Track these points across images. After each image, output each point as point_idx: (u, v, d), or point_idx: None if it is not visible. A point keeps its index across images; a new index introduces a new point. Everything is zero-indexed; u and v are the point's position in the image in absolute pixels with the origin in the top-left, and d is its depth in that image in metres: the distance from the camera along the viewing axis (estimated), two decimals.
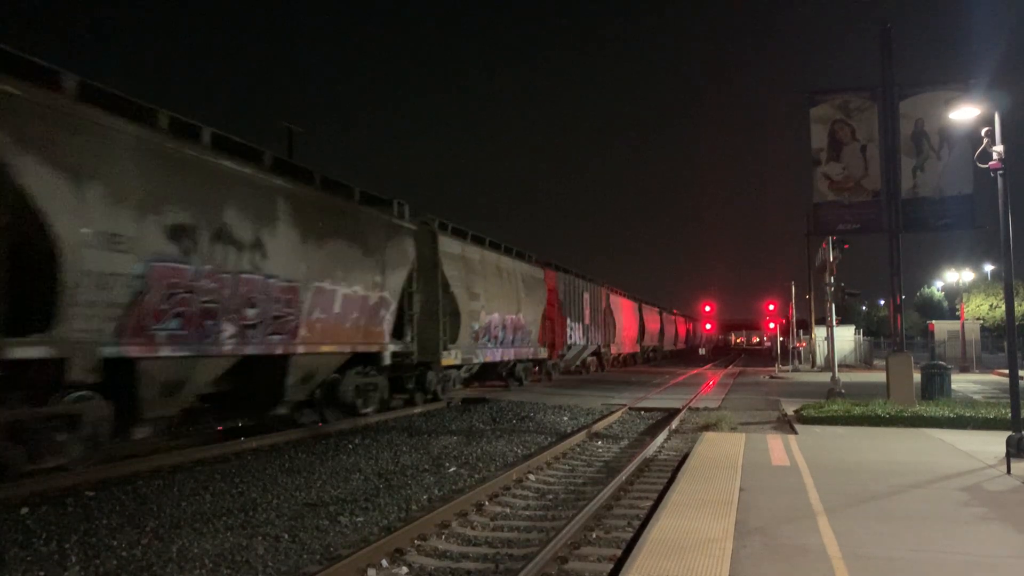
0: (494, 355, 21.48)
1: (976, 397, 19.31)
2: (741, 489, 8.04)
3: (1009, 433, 9.54)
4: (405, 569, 6.33)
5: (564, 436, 13.80)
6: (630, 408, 19.07)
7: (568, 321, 29.86)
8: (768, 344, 77.94)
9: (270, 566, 6.29)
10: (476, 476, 10.22)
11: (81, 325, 8.53)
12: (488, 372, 22.61)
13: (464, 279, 19.14)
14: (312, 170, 13.58)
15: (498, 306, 21.36)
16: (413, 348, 16.47)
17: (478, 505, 8.40)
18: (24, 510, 7.58)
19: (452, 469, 10.64)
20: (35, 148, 8.15)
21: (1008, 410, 10.95)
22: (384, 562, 6.37)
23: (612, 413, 17.53)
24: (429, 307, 17.28)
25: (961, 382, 24.96)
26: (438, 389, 18.56)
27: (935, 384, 16.41)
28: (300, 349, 12.43)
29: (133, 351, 9.24)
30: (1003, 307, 16.97)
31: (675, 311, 72.52)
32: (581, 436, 13.65)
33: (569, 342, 30.08)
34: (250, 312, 11.17)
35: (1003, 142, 10.28)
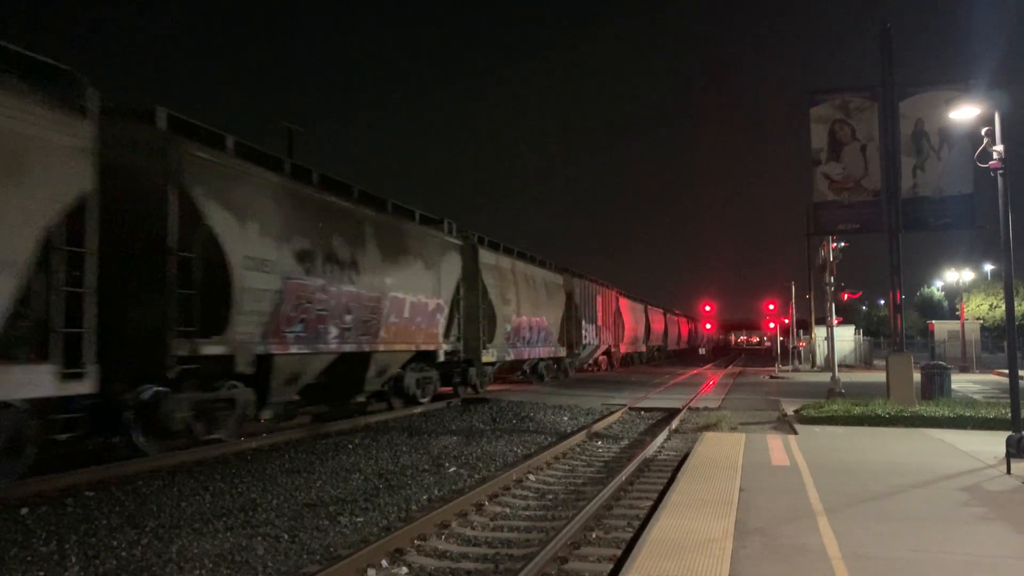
0: (521, 353, 23.87)
1: (976, 397, 19.31)
2: (741, 489, 8.04)
3: (1009, 433, 9.53)
4: (405, 569, 6.33)
5: (564, 436, 13.80)
6: (630, 408, 19.07)
7: (583, 322, 31.93)
8: (768, 344, 77.97)
9: (270, 566, 6.28)
10: (476, 476, 10.22)
11: (243, 329, 11.00)
12: (514, 368, 25.51)
13: (499, 286, 21.67)
14: (385, 199, 16.06)
15: (525, 310, 23.88)
16: (460, 347, 19.19)
17: (478, 505, 8.40)
18: (24, 510, 7.58)
19: (452, 469, 10.64)
20: (215, 196, 10.64)
21: (1008, 410, 10.94)
22: (384, 562, 6.37)
23: (612, 413, 17.53)
24: (471, 311, 19.81)
25: (961, 382, 24.97)
26: (477, 383, 20.93)
27: (935, 384, 16.41)
28: (380, 347, 14.95)
29: (273, 349, 11.75)
30: (1003, 307, 16.97)
31: (676, 311, 72.68)
32: (581, 436, 13.65)
33: (584, 341, 32.09)
34: (347, 317, 13.66)
35: (1003, 142, 10.28)
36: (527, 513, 8.35)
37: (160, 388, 10.05)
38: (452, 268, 18.52)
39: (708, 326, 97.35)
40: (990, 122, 10.42)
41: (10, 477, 8.24)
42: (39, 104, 8.04)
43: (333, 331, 13.24)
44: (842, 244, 19.88)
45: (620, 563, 5.88)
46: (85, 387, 8.50)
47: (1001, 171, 10.28)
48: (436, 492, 9.18)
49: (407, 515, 8.03)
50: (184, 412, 10.44)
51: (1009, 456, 9.15)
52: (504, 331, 21.81)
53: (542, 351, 26.34)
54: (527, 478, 10.06)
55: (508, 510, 8.46)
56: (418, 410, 17.27)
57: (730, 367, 47.06)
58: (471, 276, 19.84)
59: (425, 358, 17.51)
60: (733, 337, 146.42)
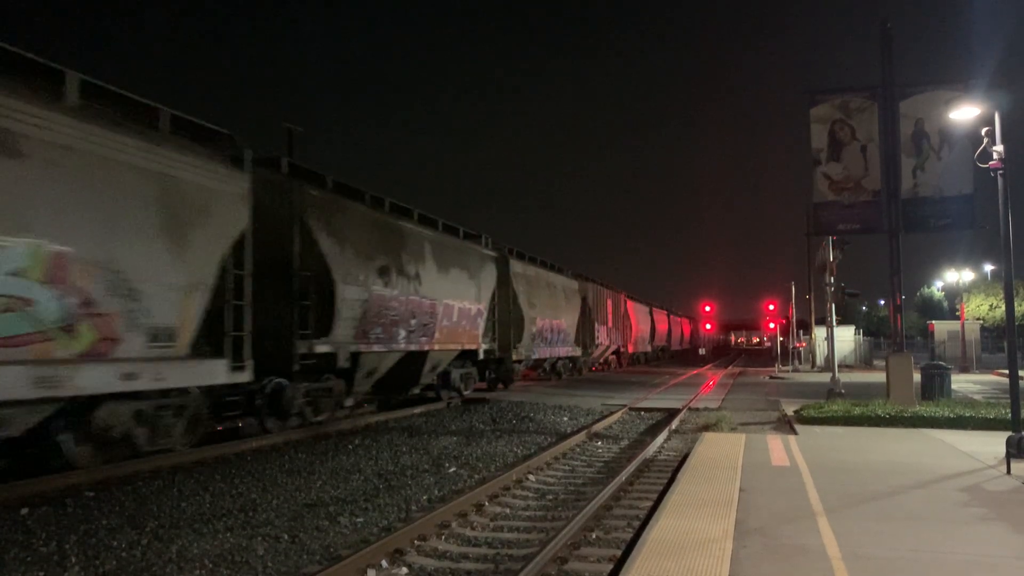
0: (543, 352, 26.58)
1: (976, 397, 19.31)
2: (741, 489, 8.04)
3: (1009, 433, 9.53)
4: (405, 569, 6.33)
5: (564, 436, 13.80)
6: (630, 408, 19.07)
7: (596, 324, 34.47)
8: (768, 344, 77.95)
9: (270, 566, 6.29)
10: (476, 476, 10.22)
11: (342, 332, 13.58)
12: (536, 366, 27.70)
13: (526, 292, 24.32)
14: (437, 219, 18.39)
15: (547, 313, 26.64)
16: (495, 347, 21.83)
17: (478, 505, 8.40)
18: (24, 510, 7.58)
19: (452, 469, 10.64)
20: (324, 225, 13.27)
21: (1008, 410, 10.95)
22: (384, 562, 6.37)
23: (612, 413, 17.53)
24: (503, 315, 22.47)
25: (961, 382, 24.97)
26: (507, 377, 23.52)
27: (935, 384, 16.41)
28: (436, 347, 17.47)
29: (361, 348, 14.25)
30: (1003, 307, 16.97)
31: (678, 312, 72.94)
32: (581, 436, 13.65)
33: (596, 342, 34.67)
34: (412, 321, 16.22)
35: (1003, 142, 10.27)
36: (527, 513, 8.35)
37: (281, 380, 12.51)
38: (489, 277, 21.13)
39: (708, 326, 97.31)
40: (990, 122, 10.41)
41: (188, 446, 10.67)
42: (218, 163, 10.72)
43: (402, 333, 15.78)
44: (844, 245, 19.85)
45: (620, 563, 5.89)
46: (245, 377, 11.18)
47: (1001, 171, 10.28)
48: (436, 492, 9.18)
49: (407, 515, 8.03)
50: (300, 399, 13.03)
51: (1009, 456, 9.15)
52: (530, 332, 24.32)
53: (561, 351, 28.77)
54: (527, 478, 10.06)
55: (508, 510, 8.46)
56: (418, 410, 17.31)
57: (730, 367, 47.07)
58: (504, 284, 22.48)
59: (467, 356, 20.04)
60: (733, 337, 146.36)
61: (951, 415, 13.40)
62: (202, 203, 10.25)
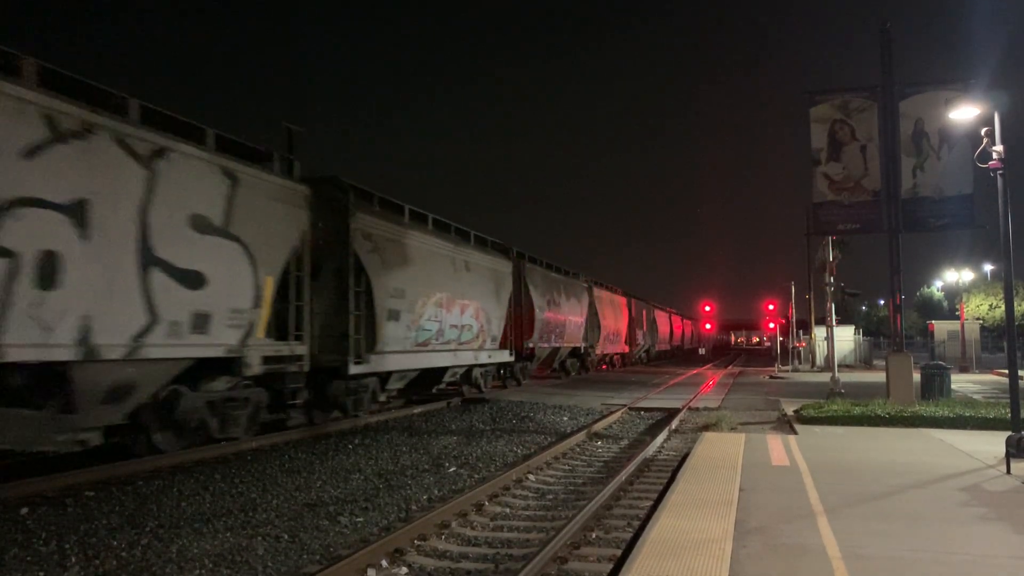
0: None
1: (976, 397, 19.30)
2: (741, 489, 8.04)
3: (1009, 433, 9.53)
4: (405, 569, 6.34)
5: (564, 436, 13.80)
6: (630, 408, 19.06)
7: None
8: (768, 344, 77.92)
9: (270, 566, 6.29)
10: (476, 476, 10.22)
11: (536, 336, 23.13)
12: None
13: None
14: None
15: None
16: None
17: (478, 505, 8.40)
18: (24, 510, 7.58)
19: (452, 469, 10.64)
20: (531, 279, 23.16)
21: (1008, 410, 10.95)
22: (384, 562, 6.37)
23: (612, 413, 17.53)
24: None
25: (961, 382, 24.96)
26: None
27: (935, 384, 16.40)
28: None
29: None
30: (1003, 307, 16.96)
31: (678, 312, 73.13)
32: (581, 436, 13.65)
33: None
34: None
35: (1003, 142, 10.28)
36: (527, 513, 8.35)
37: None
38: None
39: (708, 326, 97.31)
40: (990, 122, 10.42)
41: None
42: (503, 257, 20.38)
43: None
44: (843, 245, 19.87)
45: (620, 563, 5.89)
46: (512, 358, 21.64)
47: (1001, 171, 10.28)
48: (436, 492, 9.18)
49: (407, 515, 8.03)
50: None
51: (1009, 456, 9.15)
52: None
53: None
54: (527, 478, 10.06)
55: (508, 510, 8.46)
56: (418, 410, 17.31)
57: (730, 367, 47.05)
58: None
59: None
60: (733, 337, 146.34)
61: (951, 415, 13.39)
62: (499, 281, 21.40)
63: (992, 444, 10.44)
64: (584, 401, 20.43)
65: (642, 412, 18.71)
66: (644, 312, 49.09)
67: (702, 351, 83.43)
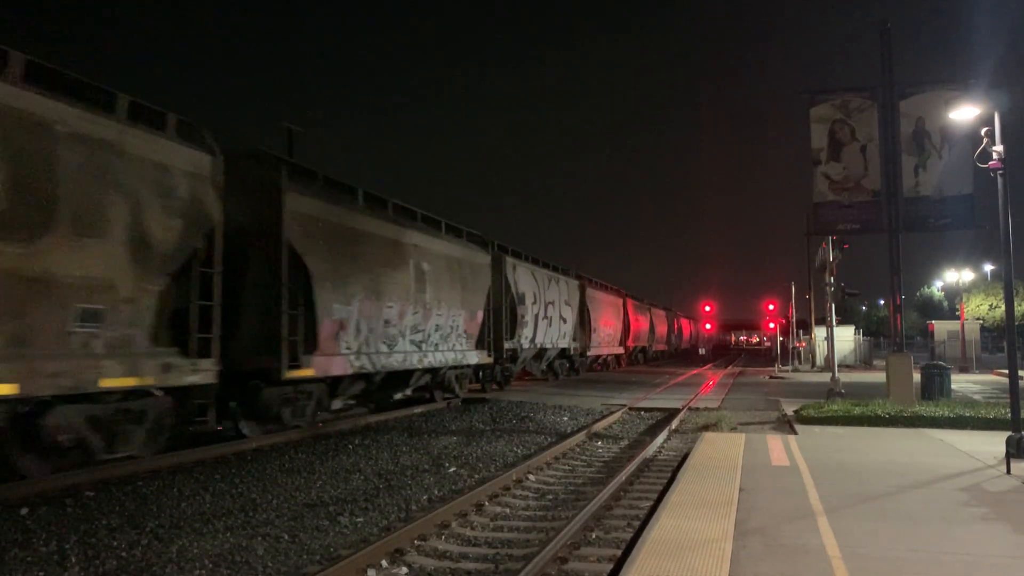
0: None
1: (976, 397, 19.30)
2: (741, 489, 8.04)
3: (1009, 433, 9.53)
4: (405, 569, 6.33)
5: (564, 436, 13.80)
6: (630, 408, 19.07)
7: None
8: (768, 344, 77.92)
9: (270, 566, 6.28)
10: (476, 476, 10.21)
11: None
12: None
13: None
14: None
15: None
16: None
17: (478, 505, 8.40)
18: (24, 510, 7.58)
19: (452, 469, 10.64)
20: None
21: (1008, 410, 10.94)
22: (384, 562, 6.37)
23: (612, 413, 17.53)
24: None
25: (961, 382, 24.97)
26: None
27: (935, 384, 16.40)
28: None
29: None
30: (1003, 307, 16.96)
31: (677, 312, 73.10)
32: (581, 436, 13.65)
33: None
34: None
35: (1003, 142, 10.27)
36: (527, 513, 8.35)
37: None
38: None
39: (708, 326, 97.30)
40: (990, 122, 10.41)
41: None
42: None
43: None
44: (844, 246, 19.86)
45: (620, 563, 5.89)
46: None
47: (1001, 171, 10.28)
48: (436, 492, 9.18)
49: (407, 515, 8.03)
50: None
51: (1009, 456, 9.15)
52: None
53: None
54: (527, 478, 10.06)
55: (508, 510, 8.46)
56: (418, 410, 17.30)
57: (730, 367, 47.04)
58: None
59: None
60: (733, 337, 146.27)
61: (951, 415, 13.39)
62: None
63: (992, 444, 10.43)
64: (584, 401, 20.43)
65: (642, 412, 18.72)
66: (643, 312, 48.88)
67: (702, 351, 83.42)
